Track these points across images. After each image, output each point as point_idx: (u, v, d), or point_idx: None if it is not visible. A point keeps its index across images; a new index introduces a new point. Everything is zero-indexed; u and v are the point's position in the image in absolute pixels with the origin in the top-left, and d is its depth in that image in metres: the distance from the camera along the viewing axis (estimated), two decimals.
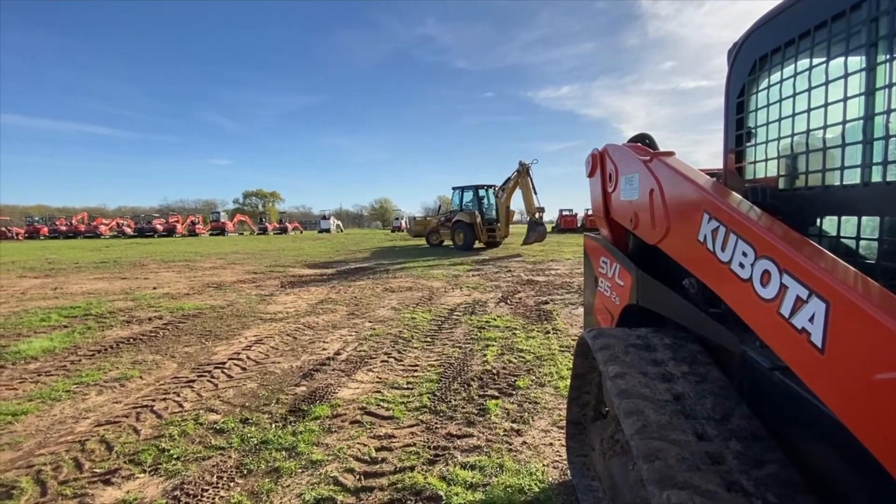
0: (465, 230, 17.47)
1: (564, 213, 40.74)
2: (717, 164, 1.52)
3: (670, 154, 1.53)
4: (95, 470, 2.46)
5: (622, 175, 1.78)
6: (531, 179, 16.21)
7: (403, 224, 47.37)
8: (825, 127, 0.99)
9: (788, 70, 1.10)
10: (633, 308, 1.76)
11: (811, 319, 0.77)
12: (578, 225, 38.30)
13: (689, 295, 1.41)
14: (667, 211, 1.38)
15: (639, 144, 1.82)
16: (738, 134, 1.32)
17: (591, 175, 2.13)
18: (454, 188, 19.21)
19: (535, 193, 16.10)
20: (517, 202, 17.21)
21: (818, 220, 1.08)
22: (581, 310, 6.20)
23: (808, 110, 1.03)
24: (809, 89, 1.03)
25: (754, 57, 1.22)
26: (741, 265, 0.99)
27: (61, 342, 4.99)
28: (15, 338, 5.22)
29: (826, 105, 0.98)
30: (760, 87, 1.23)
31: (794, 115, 1.09)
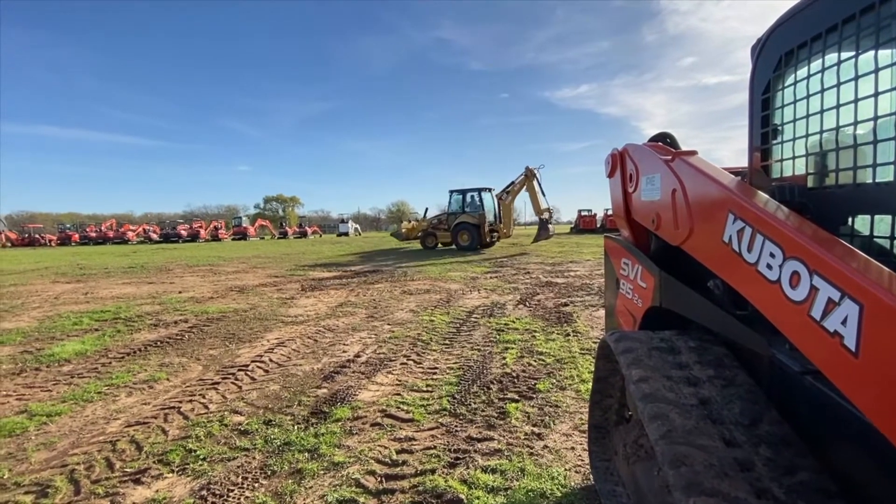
0: (471, 231, 18.03)
1: (583, 213, 40.33)
2: (742, 161, 1.49)
3: (693, 153, 1.50)
4: (126, 469, 2.54)
5: (643, 175, 1.75)
6: (539, 183, 17.61)
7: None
8: (855, 123, 0.96)
9: (816, 65, 1.07)
10: (656, 310, 1.73)
11: (844, 322, 0.74)
12: (598, 225, 37.83)
13: (714, 297, 1.38)
14: (690, 211, 1.36)
15: (659, 143, 1.79)
16: (764, 131, 1.29)
17: (610, 175, 2.10)
18: (451, 191, 19.61)
19: (544, 196, 17.60)
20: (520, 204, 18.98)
21: (849, 220, 1.04)
22: (602, 312, 6.12)
23: (838, 106, 1.00)
24: (838, 85, 1.00)
25: (780, 53, 1.19)
26: (769, 266, 0.96)
27: (93, 345, 5.16)
28: (49, 341, 5.43)
29: (856, 101, 0.95)
30: (787, 84, 1.20)
31: (822, 111, 1.06)
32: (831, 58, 1.02)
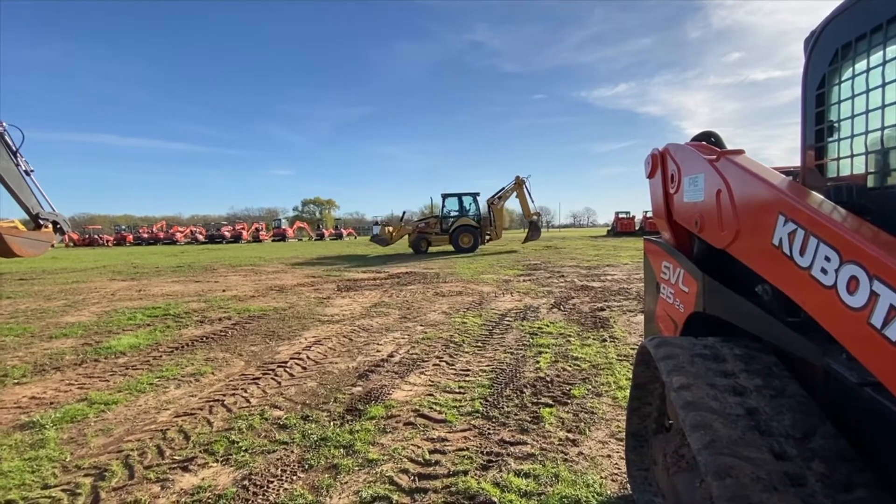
0: (473, 233, 19.27)
1: (621, 215, 39.21)
2: (794, 161, 1.41)
3: (739, 152, 1.44)
4: (175, 457, 2.68)
5: (685, 175, 1.70)
6: (528, 190, 20.08)
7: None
8: None
9: (876, 58, 1.01)
10: (699, 316, 1.67)
11: None
12: (636, 228, 36.72)
13: (762, 302, 1.31)
14: (736, 213, 1.31)
15: (703, 143, 1.73)
16: (819, 129, 1.22)
17: (650, 176, 2.04)
18: (443, 195, 20.34)
19: (532, 201, 20.28)
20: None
21: None
22: (640, 317, 5.94)
23: None
24: None
25: (836, 45, 1.13)
26: (823, 271, 0.91)
27: (145, 339, 5.49)
28: (106, 335, 5.81)
29: None
30: (844, 78, 1.14)
31: (883, 106, 1.00)
32: (893, 50, 0.96)
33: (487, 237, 20.40)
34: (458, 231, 19.19)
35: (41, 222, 8.89)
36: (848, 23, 1.09)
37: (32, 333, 5.99)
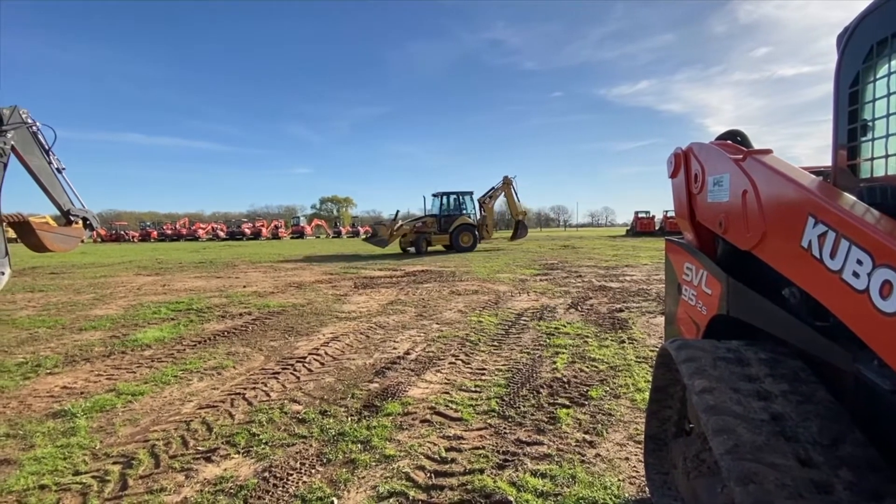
0: (472, 232, 19.37)
1: (640, 215, 38.57)
2: (823, 160, 1.38)
3: (767, 152, 1.41)
4: (198, 448, 2.76)
5: (709, 175, 1.66)
6: (514, 189, 21.19)
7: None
8: None
9: None
10: (722, 319, 1.64)
11: None
12: (657, 228, 36.06)
13: (789, 306, 1.28)
14: (763, 214, 1.28)
15: (728, 142, 1.70)
16: (852, 128, 1.18)
17: (673, 176, 2.01)
18: (434, 194, 20.13)
19: (519, 201, 21.34)
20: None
21: None
22: (660, 319, 5.84)
23: None
24: None
25: (871, 42, 1.09)
26: (855, 274, 0.89)
27: (169, 333, 5.65)
28: (133, 328, 6.00)
29: None
30: (879, 75, 1.10)
31: None
32: None
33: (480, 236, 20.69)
34: (459, 230, 19.13)
35: (72, 218, 9.21)
36: (884, 18, 1.05)
37: (63, 325, 6.22)
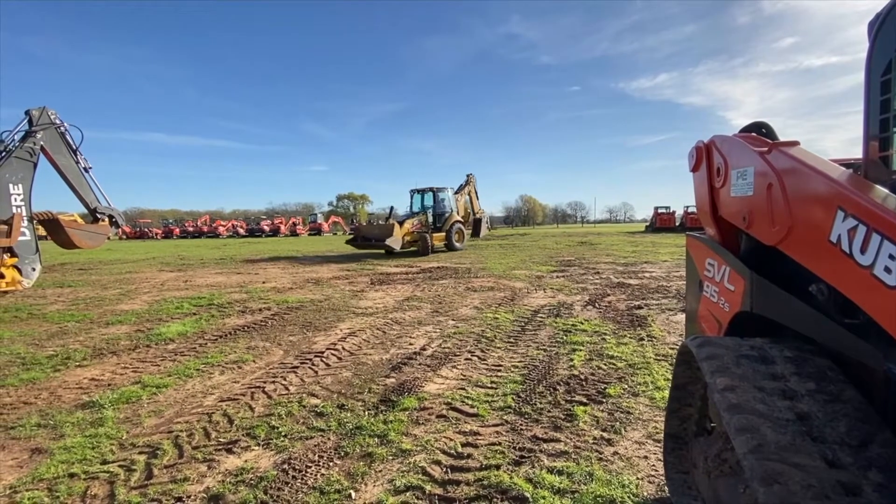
0: (462, 230, 18.98)
1: (660, 210, 37.87)
2: (852, 152, 1.33)
3: (794, 143, 1.36)
4: (220, 439, 2.82)
5: (733, 169, 1.62)
6: (475, 188, 22.26)
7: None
8: None
9: None
10: (746, 315, 1.60)
11: None
12: (677, 223, 35.37)
13: (816, 302, 1.24)
14: (789, 207, 1.24)
15: (753, 134, 1.65)
16: (884, 118, 1.14)
17: (694, 169, 1.97)
18: (412, 190, 19.18)
19: (478, 199, 22.58)
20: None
21: None
22: (680, 316, 5.74)
23: None
24: None
25: None
26: (887, 270, 0.86)
27: (192, 327, 5.79)
28: (157, 322, 6.16)
29: None
30: None
31: None
32: None
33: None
34: (454, 228, 18.15)
35: (99, 216, 9.50)
36: None
37: (91, 320, 6.43)
